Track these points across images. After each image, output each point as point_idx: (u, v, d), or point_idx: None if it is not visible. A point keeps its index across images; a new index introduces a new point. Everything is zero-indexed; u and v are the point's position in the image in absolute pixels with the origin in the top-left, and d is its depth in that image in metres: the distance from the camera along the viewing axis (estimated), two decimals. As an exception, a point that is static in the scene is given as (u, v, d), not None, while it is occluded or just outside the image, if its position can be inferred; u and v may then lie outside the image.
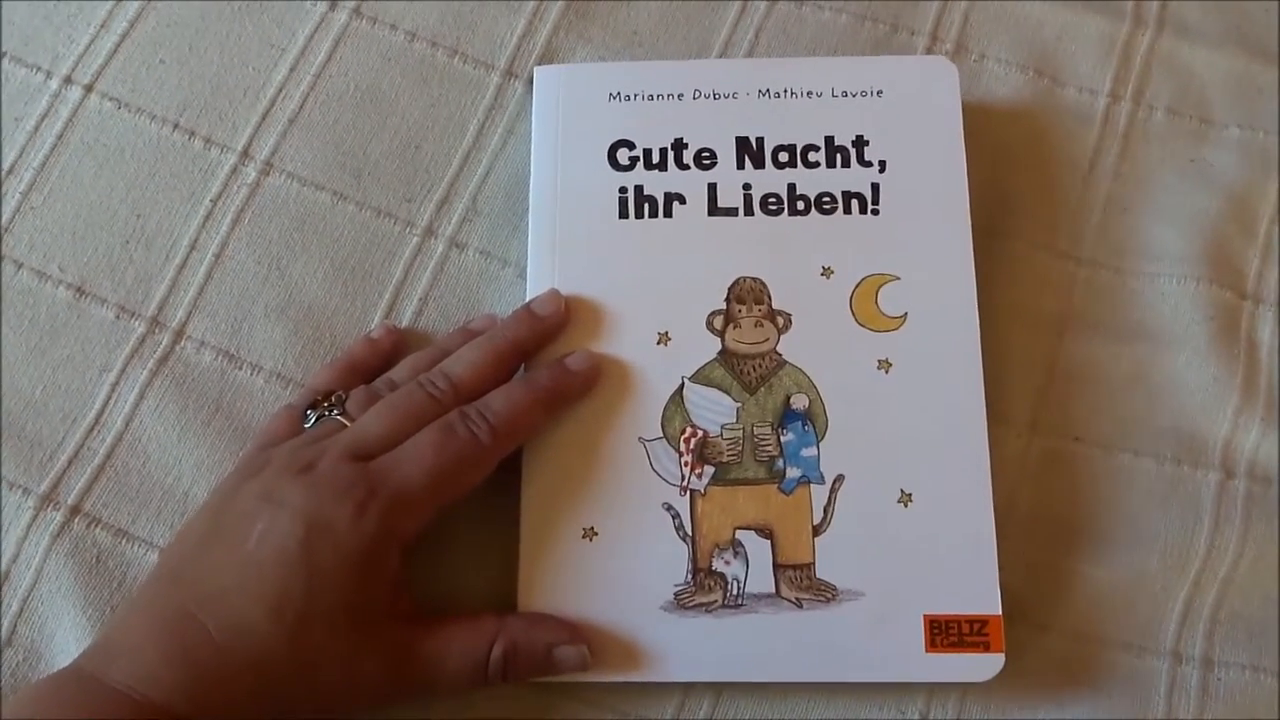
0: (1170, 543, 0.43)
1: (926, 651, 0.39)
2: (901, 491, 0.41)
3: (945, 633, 0.39)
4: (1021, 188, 0.47)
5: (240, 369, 0.44)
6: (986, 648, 0.39)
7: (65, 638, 0.40)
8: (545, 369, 0.41)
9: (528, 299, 0.43)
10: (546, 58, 0.49)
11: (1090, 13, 0.50)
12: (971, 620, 0.40)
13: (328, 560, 0.35)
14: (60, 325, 0.44)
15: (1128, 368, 0.45)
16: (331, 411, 0.40)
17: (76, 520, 0.42)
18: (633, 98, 0.45)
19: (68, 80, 0.48)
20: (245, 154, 0.47)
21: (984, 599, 0.40)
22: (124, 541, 0.42)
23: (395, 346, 0.44)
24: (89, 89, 0.48)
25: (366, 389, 0.41)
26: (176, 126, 0.47)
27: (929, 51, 0.49)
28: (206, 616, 0.35)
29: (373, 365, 0.43)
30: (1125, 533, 0.43)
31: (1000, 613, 0.40)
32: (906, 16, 0.50)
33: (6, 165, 0.46)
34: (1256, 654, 0.41)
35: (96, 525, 0.42)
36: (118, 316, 0.45)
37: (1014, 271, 0.46)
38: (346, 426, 0.39)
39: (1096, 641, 0.42)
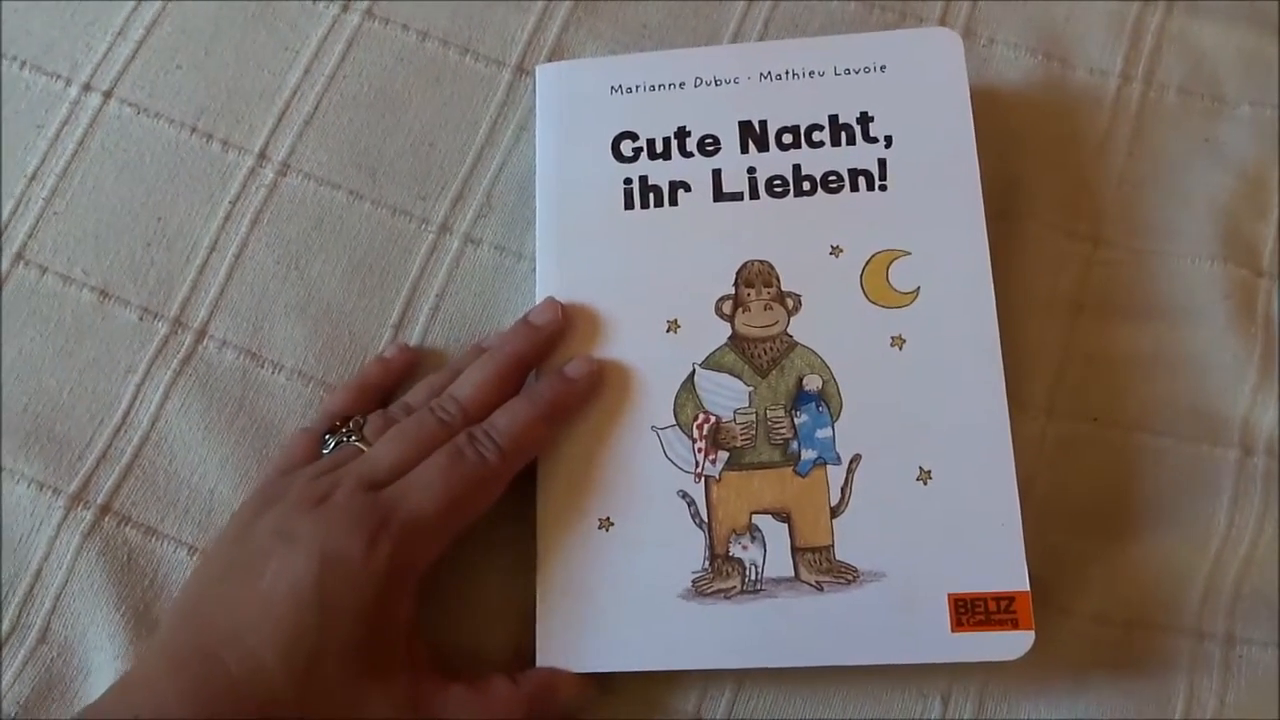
0: (1190, 521, 0.43)
1: (952, 631, 0.39)
2: (920, 469, 0.40)
3: (971, 611, 0.39)
4: (1034, 170, 0.47)
5: (262, 367, 0.45)
6: (1015, 625, 0.39)
7: (98, 634, 0.41)
8: (545, 381, 0.41)
9: (537, 294, 0.43)
10: (557, 54, 0.49)
11: (1099, -7, 0.50)
12: (998, 597, 0.39)
13: (340, 596, 0.35)
14: (85, 328, 0.45)
15: (1144, 348, 0.45)
16: (350, 438, 0.40)
17: (106, 519, 0.43)
18: (634, 89, 0.46)
19: (87, 87, 0.48)
20: (262, 155, 0.47)
21: (1010, 575, 0.39)
22: (153, 539, 0.42)
23: (408, 365, 0.44)
24: (108, 95, 0.48)
25: (383, 414, 0.41)
26: (194, 130, 0.48)
27: (938, 37, 0.49)
28: (223, 654, 0.35)
29: (387, 385, 0.44)
30: (1145, 513, 0.43)
31: (1028, 588, 0.39)
32: (915, 2, 0.50)
33: (29, 172, 0.47)
34: (1276, 630, 0.41)
35: (126, 524, 0.43)
36: (141, 318, 0.45)
37: (1028, 253, 0.46)
38: (363, 452, 0.39)
39: (1119, 622, 0.41)
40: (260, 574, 0.36)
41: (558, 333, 0.42)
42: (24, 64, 0.49)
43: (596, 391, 0.42)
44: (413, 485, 0.38)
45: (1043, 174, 0.47)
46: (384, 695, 0.36)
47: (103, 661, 0.41)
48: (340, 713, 0.35)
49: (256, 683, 0.34)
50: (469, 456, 0.38)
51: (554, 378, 0.41)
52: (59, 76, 0.49)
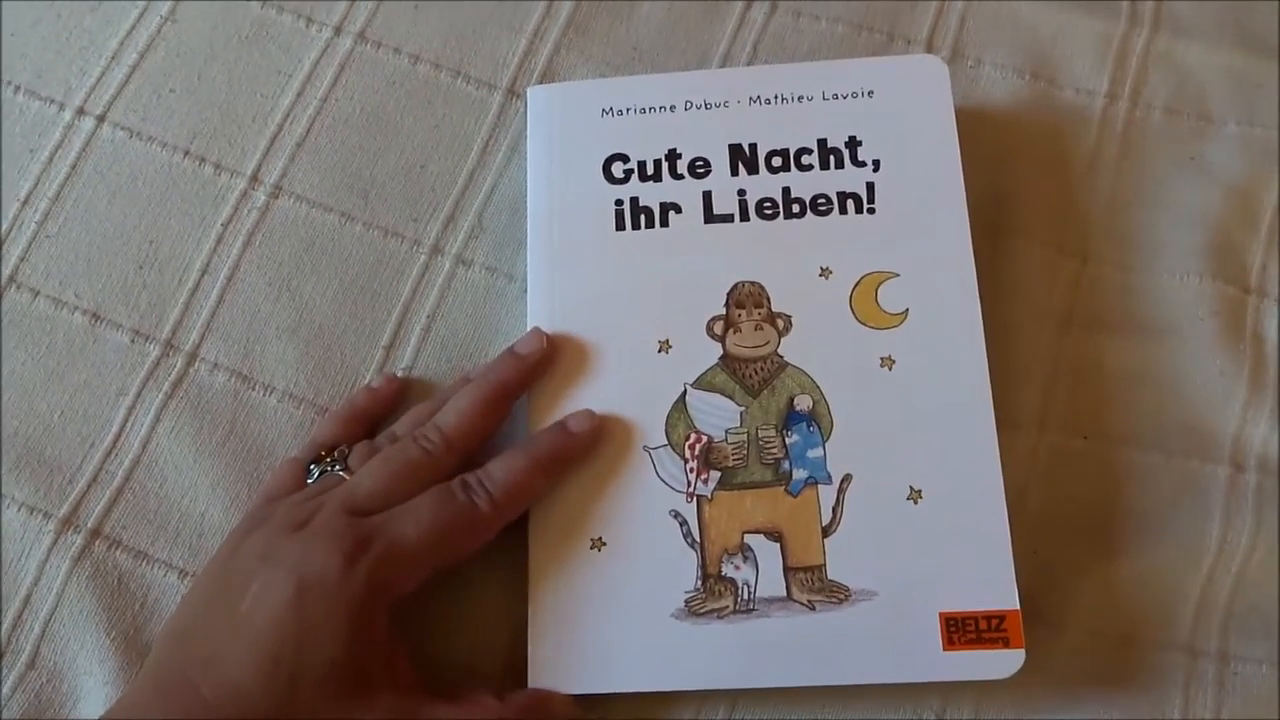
0: (1182, 538, 0.43)
1: (944, 650, 0.39)
2: (911, 488, 0.41)
3: (963, 630, 0.39)
4: (1022, 189, 0.47)
5: (253, 389, 0.45)
6: (1006, 643, 0.39)
7: (88, 659, 0.41)
8: (546, 433, 0.41)
9: (529, 314, 0.43)
10: (548, 77, 0.49)
11: (1085, 14, 0.50)
12: (989, 616, 0.39)
13: (317, 616, 0.35)
14: (77, 351, 0.45)
15: (1134, 364, 0.45)
16: (334, 467, 0.40)
17: (97, 543, 0.42)
18: (625, 112, 0.46)
19: (80, 111, 0.49)
20: (255, 178, 0.48)
21: (1001, 594, 0.39)
22: (143, 563, 0.42)
23: (397, 394, 0.44)
24: (101, 119, 0.49)
25: (369, 444, 0.41)
26: (187, 153, 0.48)
27: (926, 58, 0.50)
28: (201, 680, 0.35)
29: (375, 414, 0.44)
30: (1138, 528, 0.43)
31: (1018, 607, 0.39)
32: (903, 24, 0.50)
33: (22, 195, 0.47)
34: (1272, 648, 0.41)
35: (117, 547, 0.42)
36: (133, 341, 0.45)
37: (1018, 271, 0.46)
38: (344, 478, 0.40)
39: (1112, 639, 0.41)
40: (240, 598, 0.36)
41: (543, 361, 0.42)
42: (18, 89, 0.49)
43: (595, 448, 0.41)
44: (399, 515, 0.38)
45: (1031, 192, 0.47)
46: (365, 714, 0.36)
47: (92, 687, 0.41)
48: None
49: (238, 706, 0.34)
50: (460, 499, 0.38)
51: (554, 430, 0.41)
52: (53, 101, 0.49)
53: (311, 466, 0.41)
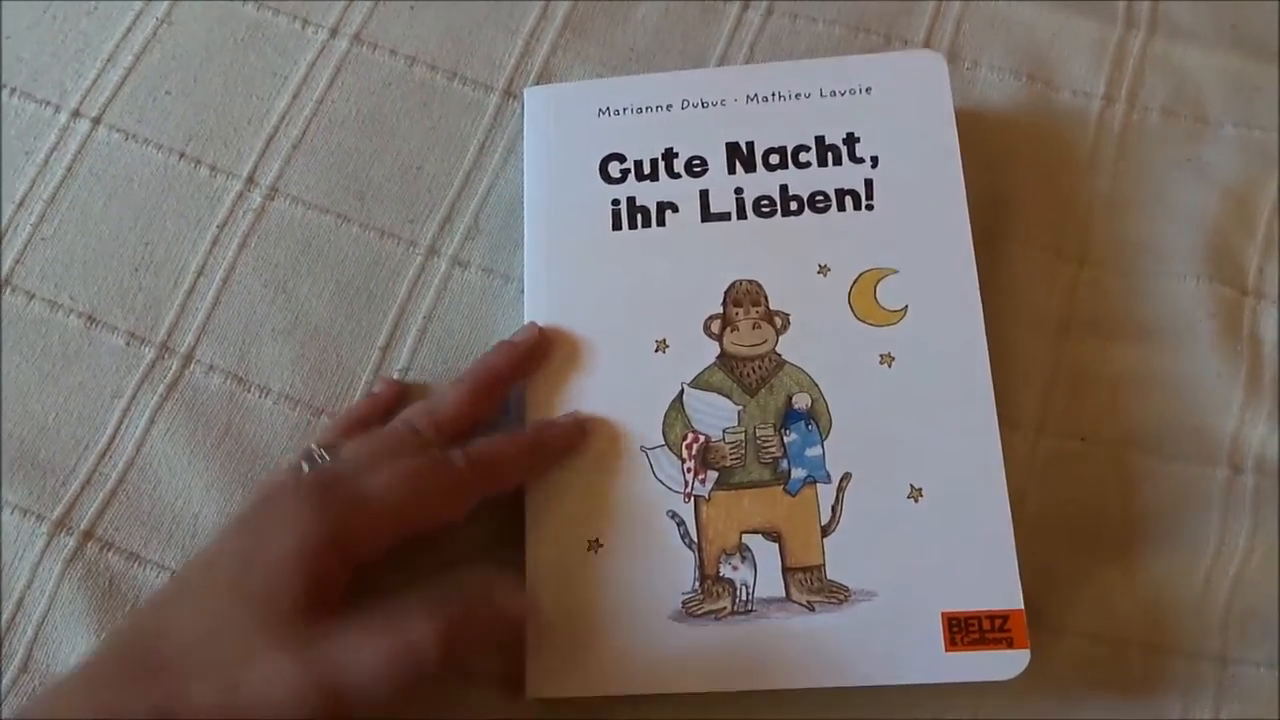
0: (1180, 540, 0.42)
1: (947, 651, 0.38)
2: (911, 487, 0.40)
3: (965, 630, 0.38)
4: (1020, 191, 0.47)
5: (249, 391, 0.45)
6: (1010, 644, 0.38)
7: (80, 663, 0.41)
8: (530, 423, 0.42)
9: (525, 315, 0.43)
10: (544, 78, 0.49)
11: (1082, 16, 0.50)
12: (993, 616, 0.39)
13: (265, 560, 0.35)
14: (72, 353, 0.45)
15: (1132, 367, 0.45)
16: (324, 459, 0.39)
17: (89, 545, 0.42)
18: (622, 112, 0.46)
19: (76, 113, 0.49)
20: (250, 180, 0.48)
21: (1004, 593, 0.39)
22: (136, 565, 0.42)
23: (395, 398, 0.44)
24: (97, 121, 0.48)
25: (361, 438, 0.41)
26: (183, 155, 0.48)
27: (923, 61, 0.50)
28: (155, 636, 0.34)
29: (374, 419, 0.43)
30: (1136, 531, 0.43)
31: (1022, 607, 0.38)
32: (900, 26, 0.50)
33: (17, 198, 0.47)
34: (1270, 650, 0.41)
35: (109, 550, 0.42)
36: (128, 343, 0.45)
37: (1015, 274, 0.46)
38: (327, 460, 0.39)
39: (1110, 642, 0.41)
40: (204, 554, 0.36)
41: (537, 349, 0.42)
42: (13, 91, 0.49)
43: (579, 444, 0.41)
44: (371, 472, 0.37)
45: (1028, 194, 0.47)
46: (278, 648, 0.33)
47: (85, 690, 0.40)
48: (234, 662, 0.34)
49: (195, 647, 0.34)
50: (435, 456, 0.38)
51: (539, 420, 0.42)
52: (48, 103, 0.49)
53: (303, 463, 0.40)
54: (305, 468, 0.40)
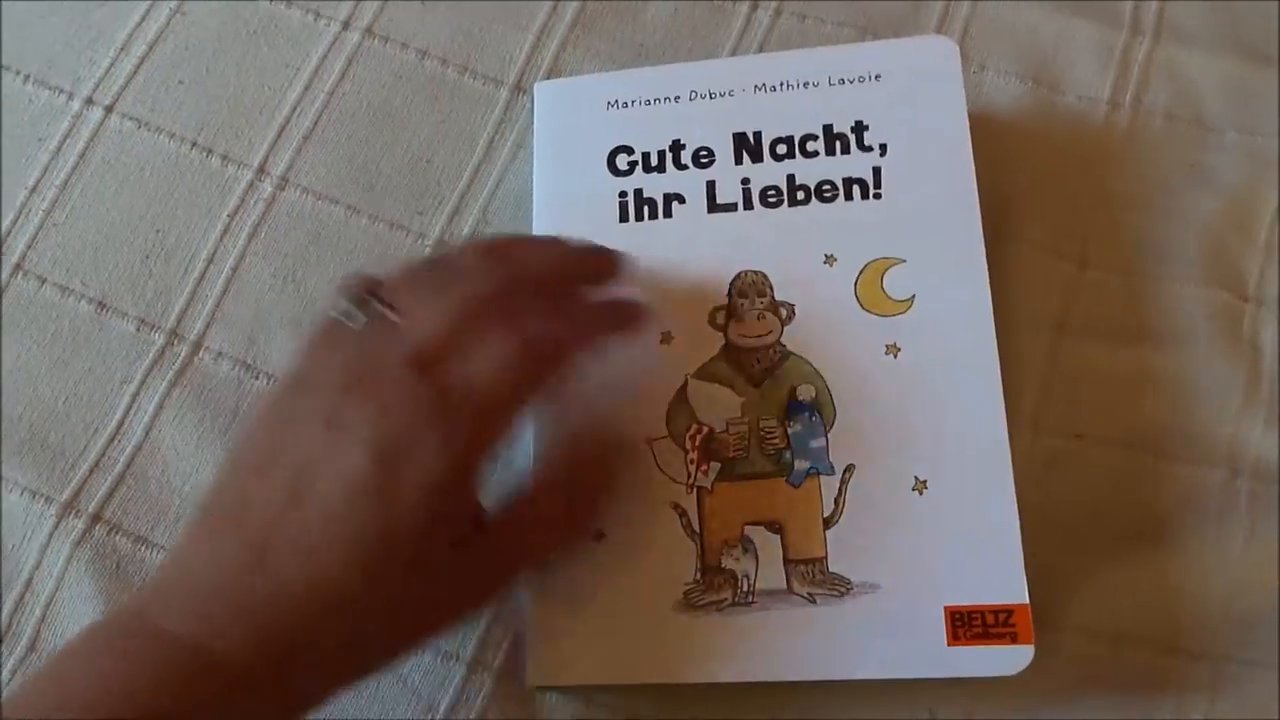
0: (1177, 540, 0.43)
1: (949, 645, 0.38)
2: (916, 479, 0.40)
3: (969, 624, 0.38)
4: (1023, 194, 0.47)
5: (257, 379, 0.45)
6: (1014, 639, 0.37)
7: (86, 644, 0.41)
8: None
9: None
10: (554, 73, 0.50)
11: (1088, 21, 0.51)
12: (997, 610, 0.38)
13: (407, 497, 0.32)
14: (82, 338, 0.45)
15: (1130, 368, 0.45)
16: (369, 304, 0.35)
17: (97, 527, 0.43)
18: (630, 104, 0.46)
19: (89, 101, 0.49)
20: (261, 170, 0.48)
21: (1009, 587, 0.38)
22: (143, 548, 0.43)
23: None
24: (110, 109, 0.49)
25: (403, 272, 0.36)
26: (195, 144, 0.48)
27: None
28: (277, 564, 0.31)
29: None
30: (1132, 531, 0.43)
31: (1027, 601, 0.37)
32: (907, 29, 0.51)
33: (30, 184, 0.48)
34: (1265, 651, 0.41)
35: (117, 532, 0.43)
36: (138, 329, 0.46)
37: (1017, 274, 0.46)
38: (396, 324, 0.34)
39: (1106, 640, 0.41)
40: (313, 474, 0.32)
41: (618, 266, 0.40)
42: (27, 78, 0.50)
43: (640, 326, 0.40)
44: (478, 365, 0.33)
45: (1032, 197, 0.47)
46: (447, 576, 0.34)
47: (91, 671, 0.41)
48: (407, 611, 0.33)
49: (319, 593, 0.31)
50: (535, 329, 0.34)
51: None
52: (62, 91, 0.49)
53: (349, 307, 0.35)
54: (356, 315, 0.35)
